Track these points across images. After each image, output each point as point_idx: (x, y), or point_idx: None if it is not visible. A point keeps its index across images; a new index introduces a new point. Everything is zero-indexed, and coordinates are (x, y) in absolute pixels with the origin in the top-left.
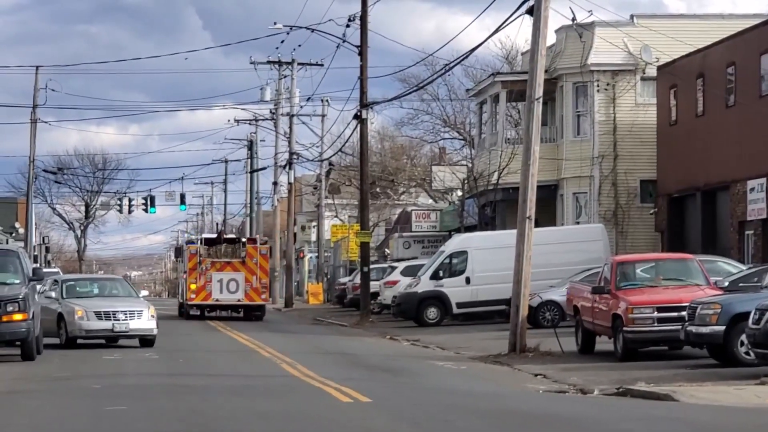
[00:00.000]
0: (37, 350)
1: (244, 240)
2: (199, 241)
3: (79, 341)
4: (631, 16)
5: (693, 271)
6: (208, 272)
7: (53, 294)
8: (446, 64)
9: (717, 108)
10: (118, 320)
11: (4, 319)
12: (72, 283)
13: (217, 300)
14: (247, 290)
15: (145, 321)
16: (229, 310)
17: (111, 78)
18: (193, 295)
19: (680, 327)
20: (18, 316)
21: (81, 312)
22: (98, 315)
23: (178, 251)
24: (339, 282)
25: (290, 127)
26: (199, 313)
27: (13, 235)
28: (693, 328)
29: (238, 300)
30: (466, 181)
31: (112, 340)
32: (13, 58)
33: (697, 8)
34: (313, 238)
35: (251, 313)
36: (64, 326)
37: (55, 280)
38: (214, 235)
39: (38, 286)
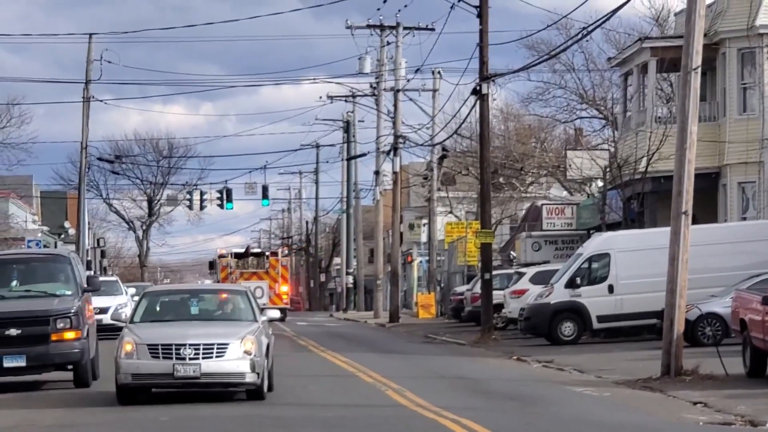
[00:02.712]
0: (94, 375)
1: (267, 253)
2: (229, 255)
3: (134, 390)
4: None
5: None
6: (237, 281)
7: (123, 315)
8: (583, 28)
9: None
10: (182, 359)
11: (54, 338)
12: (155, 298)
13: None
14: (271, 296)
15: (229, 361)
16: None
17: (179, 47)
18: None
19: None
20: (70, 335)
21: (130, 346)
22: (153, 350)
23: (212, 264)
24: (455, 292)
25: (395, 105)
26: None
27: (62, 237)
28: None
29: (264, 304)
30: (608, 169)
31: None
32: (64, 24)
33: None
34: (424, 238)
35: None
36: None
37: (144, 293)
38: (242, 250)
39: (117, 303)
